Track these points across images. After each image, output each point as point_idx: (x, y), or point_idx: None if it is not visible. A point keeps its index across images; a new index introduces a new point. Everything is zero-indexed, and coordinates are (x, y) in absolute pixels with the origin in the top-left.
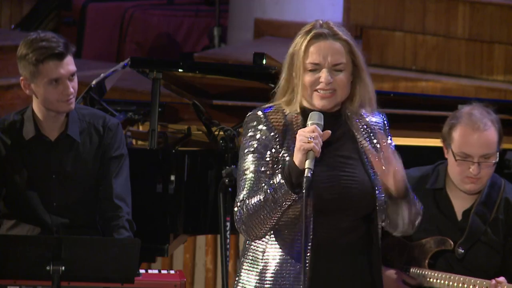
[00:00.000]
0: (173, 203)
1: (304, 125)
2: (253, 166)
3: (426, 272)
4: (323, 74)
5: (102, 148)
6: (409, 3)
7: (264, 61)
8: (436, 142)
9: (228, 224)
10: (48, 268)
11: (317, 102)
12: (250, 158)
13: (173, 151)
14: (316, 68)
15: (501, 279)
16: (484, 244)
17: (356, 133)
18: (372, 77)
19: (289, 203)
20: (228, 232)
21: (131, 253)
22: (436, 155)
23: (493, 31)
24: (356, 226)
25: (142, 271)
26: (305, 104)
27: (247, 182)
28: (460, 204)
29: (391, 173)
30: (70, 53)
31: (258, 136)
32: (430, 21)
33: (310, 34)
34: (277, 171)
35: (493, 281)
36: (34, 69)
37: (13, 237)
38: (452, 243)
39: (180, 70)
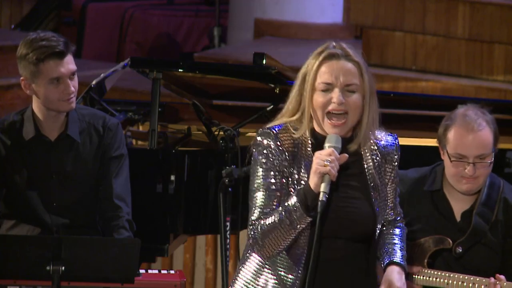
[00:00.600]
0: (173, 203)
1: (315, 148)
2: (265, 185)
3: (426, 271)
4: (335, 94)
5: (102, 148)
6: (409, 3)
7: (264, 61)
8: (436, 142)
9: (228, 224)
10: (48, 268)
11: (329, 130)
12: (261, 177)
13: (173, 151)
14: (328, 88)
15: (501, 276)
16: (483, 245)
17: (365, 164)
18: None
19: (304, 225)
20: (228, 232)
21: (131, 253)
22: (436, 155)
23: (493, 31)
24: (353, 249)
25: (142, 271)
26: (315, 127)
27: (259, 202)
28: (458, 206)
29: None
30: (70, 52)
31: (270, 155)
32: (430, 21)
33: (323, 54)
34: (292, 193)
35: (492, 279)
36: (34, 69)
37: (13, 237)
38: (450, 242)
39: (180, 70)
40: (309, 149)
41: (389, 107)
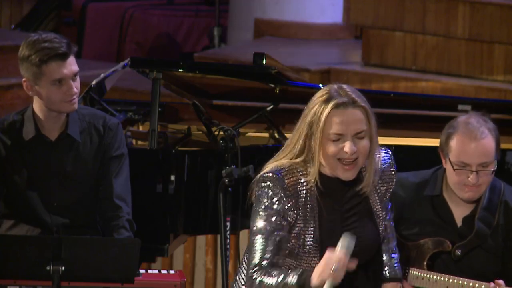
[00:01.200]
0: (173, 203)
1: (321, 194)
2: (267, 229)
3: (425, 273)
4: (348, 145)
5: (102, 148)
6: (409, 3)
7: (264, 61)
8: (436, 142)
9: (228, 224)
10: (48, 268)
11: (342, 174)
12: (263, 220)
13: (173, 151)
14: (339, 138)
15: (500, 281)
16: (482, 249)
17: (372, 203)
18: (372, 77)
19: None
20: (228, 232)
21: (131, 253)
22: (436, 155)
23: (493, 31)
24: (358, 273)
25: (142, 271)
26: (324, 170)
27: (259, 246)
28: (459, 211)
29: None
30: (72, 53)
31: (274, 199)
32: (430, 21)
33: (331, 104)
34: (297, 272)
35: (492, 284)
36: (37, 70)
37: (13, 237)
38: (450, 244)
39: (180, 70)
40: (314, 195)
41: (389, 107)
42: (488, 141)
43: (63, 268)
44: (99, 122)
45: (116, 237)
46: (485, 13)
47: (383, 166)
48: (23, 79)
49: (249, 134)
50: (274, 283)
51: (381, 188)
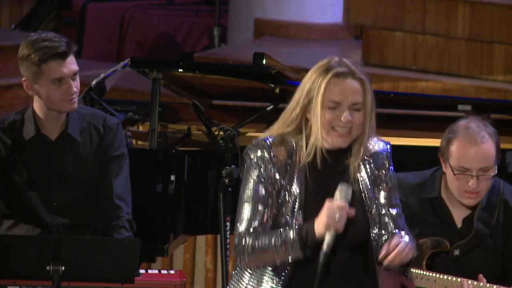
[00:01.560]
0: (173, 203)
1: (311, 161)
2: (255, 198)
3: (424, 273)
4: (344, 113)
5: (103, 148)
6: (409, 3)
7: (264, 61)
8: (436, 142)
9: (228, 224)
10: (48, 268)
11: (334, 140)
12: (252, 189)
13: (173, 151)
14: (336, 107)
15: (480, 275)
16: (481, 249)
17: (359, 174)
18: (372, 77)
19: (294, 260)
20: (228, 232)
21: (131, 253)
22: (436, 155)
23: (493, 31)
24: (350, 258)
25: (142, 271)
26: (313, 140)
27: (246, 214)
28: (458, 212)
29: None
30: (72, 52)
31: (262, 167)
32: (430, 21)
33: (331, 73)
34: (292, 228)
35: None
36: (37, 70)
37: (13, 237)
38: (448, 244)
39: (180, 70)
40: (303, 159)
41: (389, 107)
42: (488, 146)
43: (63, 268)
44: (99, 122)
45: (116, 237)
46: (485, 13)
47: (378, 153)
48: (23, 79)
49: (249, 134)
50: (267, 244)
51: (373, 167)
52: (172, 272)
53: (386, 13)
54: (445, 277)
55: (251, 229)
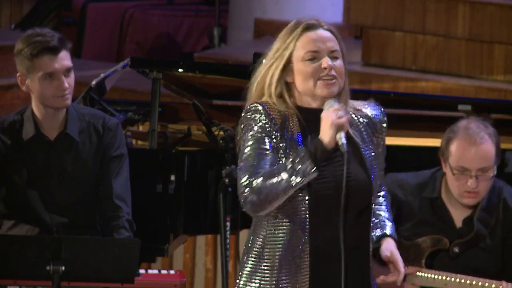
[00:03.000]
0: (173, 203)
1: (303, 120)
2: (257, 148)
3: (423, 272)
4: (325, 60)
5: (102, 148)
6: (409, 3)
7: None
8: (436, 142)
9: (228, 224)
10: (48, 268)
11: (323, 90)
12: (254, 141)
13: (173, 151)
14: (315, 56)
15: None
16: (481, 248)
17: (352, 130)
18: (372, 77)
19: (307, 180)
20: (228, 232)
21: (131, 253)
22: (436, 155)
23: (493, 31)
24: (352, 225)
25: (142, 271)
26: (299, 101)
27: (250, 162)
28: (458, 212)
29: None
30: (65, 48)
31: (260, 124)
32: (430, 21)
33: (301, 27)
34: (297, 152)
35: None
36: (29, 64)
37: (13, 237)
38: (447, 242)
39: (180, 70)
40: (296, 120)
41: (389, 107)
42: (487, 146)
43: (63, 268)
44: (99, 122)
45: (116, 237)
46: (485, 13)
47: (373, 114)
48: (18, 74)
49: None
50: (276, 169)
51: (367, 127)
52: (172, 272)
53: (386, 13)
54: (445, 276)
55: (256, 172)
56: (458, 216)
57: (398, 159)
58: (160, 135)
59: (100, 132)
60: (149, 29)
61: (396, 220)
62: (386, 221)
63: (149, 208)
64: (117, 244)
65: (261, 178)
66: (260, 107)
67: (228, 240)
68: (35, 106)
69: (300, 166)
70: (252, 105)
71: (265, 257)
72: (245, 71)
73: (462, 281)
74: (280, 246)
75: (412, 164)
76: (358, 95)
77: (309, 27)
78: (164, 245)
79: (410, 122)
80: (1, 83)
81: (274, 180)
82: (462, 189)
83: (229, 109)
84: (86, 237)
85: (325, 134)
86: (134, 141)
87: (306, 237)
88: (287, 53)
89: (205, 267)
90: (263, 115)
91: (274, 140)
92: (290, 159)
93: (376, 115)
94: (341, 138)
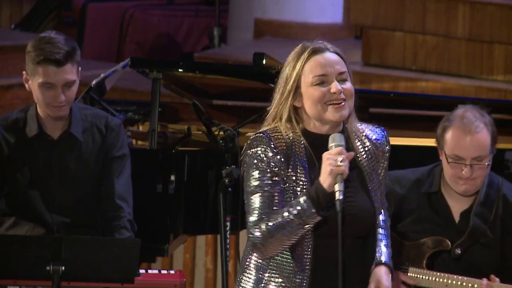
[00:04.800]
0: (173, 203)
1: (310, 146)
2: (262, 187)
3: (424, 272)
4: (334, 84)
5: (104, 148)
6: (409, 3)
7: (264, 61)
8: (435, 143)
9: (228, 224)
10: (48, 268)
11: (334, 115)
12: (258, 179)
13: (173, 151)
14: (324, 81)
15: (495, 278)
16: (482, 245)
17: (359, 157)
18: (372, 77)
19: (313, 224)
20: (228, 232)
21: (131, 253)
22: (436, 155)
23: (493, 31)
24: (353, 248)
25: (142, 271)
26: (307, 126)
27: (257, 204)
28: (457, 206)
29: None
30: (71, 62)
31: (265, 158)
32: (430, 21)
33: (307, 51)
34: (292, 193)
35: (485, 281)
36: (32, 67)
37: (13, 237)
38: (449, 243)
39: (180, 70)
40: (302, 147)
41: (389, 107)
42: (482, 135)
43: (63, 268)
44: (101, 122)
45: (117, 237)
46: (485, 13)
47: (377, 138)
48: (23, 72)
49: (249, 134)
50: (283, 219)
51: (372, 152)
52: (172, 272)
53: (386, 13)
54: (445, 278)
55: (264, 216)
56: (456, 210)
57: (398, 159)
58: (160, 135)
59: (103, 132)
60: (149, 29)
61: (395, 216)
62: (383, 247)
63: (149, 208)
64: (117, 244)
65: (270, 224)
66: (264, 137)
67: (228, 240)
68: (39, 107)
69: (305, 216)
70: (256, 135)
71: (268, 274)
72: (245, 71)
73: (465, 280)
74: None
75: (412, 164)
76: (358, 95)
77: (316, 51)
78: (164, 245)
79: (410, 122)
80: (1, 83)
81: (282, 225)
82: (456, 176)
83: (229, 109)
84: (86, 237)
85: (325, 181)
86: (134, 141)
87: (307, 271)
88: (295, 78)
89: (205, 267)
90: (265, 145)
91: (280, 174)
92: (294, 203)
93: (378, 139)
94: (339, 191)
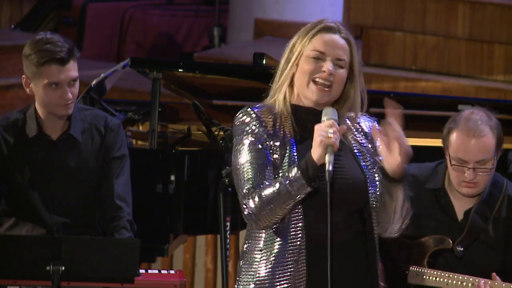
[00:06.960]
0: (173, 203)
1: (296, 121)
2: (252, 158)
3: (426, 271)
4: (327, 64)
5: (104, 149)
6: (409, 3)
7: (264, 61)
8: (436, 142)
9: (228, 224)
10: (48, 268)
11: (313, 95)
12: (246, 151)
13: (173, 151)
14: (320, 57)
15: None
16: (483, 244)
17: (350, 134)
18: (372, 77)
19: (303, 196)
20: (228, 232)
21: (131, 253)
22: (437, 155)
23: (493, 31)
24: (349, 222)
25: (142, 271)
26: (295, 100)
27: (248, 175)
28: (460, 204)
29: (397, 145)
30: (73, 59)
31: (250, 131)
32: (430, 21)
33: (319, 26)
34: (292, 166)
35: (482, 281)
36: (35, 70)
37: (13, 237)
38: (451, 242)
39: (180, 70)
40: (289, 122)
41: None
42: (486, 139)
43: (63, 268)
44: (101, 122)
45: (117, 237)
46: (485, 13)
47: (367, 127)
48: (23, 76)
49: None
50: (274, 190)
51: (361, 136)
52: (172, 272)
53: (386, 13)
54: (446, 274)
55: (255, 185)
56: (460, 208)
57: None
58: (160, 135)
59: (102, 133)
60: (149, 29)
61: None
62: None
63: (149, 208)
64: (117, 244)
65: (262, 194)
66: (251, 111)
67: (228, 240)
68: (38, 107)
69: (295, 187)
70: (244, 110)
71: (263, 256)
72: (245, 71)
73: (465, 278)
74: (277, 244)
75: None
76: None
77: (326, 29)
78: (164, 245)
79: (410, 122)
80: (1, 83)
81: (274, 196)
82: (460, 179)
83: (229, 109)
84: (86, 237)
85: (314, 152)
86: (134, 141)
87: (302, 233)
88: (299, 49)
89: (205, 267)
90: (253, 120)
91: (269, 146)
92: (286, 175)
93: (370, 121)
94: (328, 162)
